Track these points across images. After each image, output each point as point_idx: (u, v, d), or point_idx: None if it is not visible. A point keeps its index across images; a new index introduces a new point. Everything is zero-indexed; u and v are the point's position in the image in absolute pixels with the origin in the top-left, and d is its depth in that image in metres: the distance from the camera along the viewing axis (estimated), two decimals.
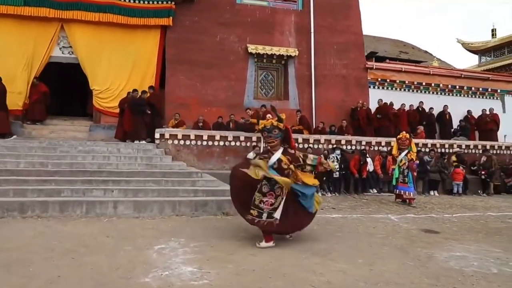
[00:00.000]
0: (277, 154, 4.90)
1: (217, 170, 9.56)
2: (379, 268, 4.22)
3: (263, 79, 12.86)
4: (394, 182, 9.13)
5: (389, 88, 13.53)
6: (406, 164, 8.87)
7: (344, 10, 13.14)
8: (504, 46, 28.40)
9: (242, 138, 10.35)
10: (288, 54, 12.33)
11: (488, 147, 12.11)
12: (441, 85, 13.78)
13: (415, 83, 13.62)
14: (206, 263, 4.14)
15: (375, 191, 10.45)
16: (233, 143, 10.30)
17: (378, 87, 13.38)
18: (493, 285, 3.84)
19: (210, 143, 10.14)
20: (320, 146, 10.81)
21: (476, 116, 13.75)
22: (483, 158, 11.72)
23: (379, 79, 13.29)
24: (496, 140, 12.82)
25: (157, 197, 6.57)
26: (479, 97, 14.26)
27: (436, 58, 28.99)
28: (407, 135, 9.07)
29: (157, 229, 5.61)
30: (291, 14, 12.73)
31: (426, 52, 34.26)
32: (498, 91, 14.34)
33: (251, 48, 12.05)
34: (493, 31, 29.62)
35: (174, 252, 4.52)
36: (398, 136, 9.24)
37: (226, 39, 12.07)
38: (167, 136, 9.69)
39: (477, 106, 13.84)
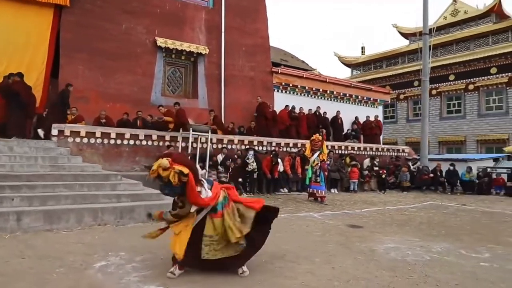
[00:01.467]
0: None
1: (126, 172, 8.61)
2: (338, 265, 4.31)
3: (170, 75, 12.16)
4: (307, 182, 9.59)
5: (291, 93, 14.27)
6: (319, 164, 9.42)
7: (252, 13, 13.35)
8: (371, 62, 32.89)
9: (154, 137, 9.59)
10: (199, 52, 11.92)
11: (374, 149, 13.78)
12: (334, 92, 15.15)
13: (314, 89, 14.66)
14: (170, 280, 3.63)
15: (286, 190, 10.84)
16: (144, 142, 9.46)
17: (282, 91, 13.98)
18: (435, 270, 4.26)
19: (118, 141, 9.11)
20: (234, 146, 10.72)
21: (361, 122, 15.50)
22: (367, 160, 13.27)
23: (283, 83, 13.90)
24: (379, 143, 14.68)
25: (72, 205, 5.55)
26: (363, 105, 16.14)
27: (311, 68, 31.88)
28: (320, 137, 9.65)
29: (83, 243, 4.73)
30: (202, 10, 12.35)
31: (303, 62, 37.43)
32: (378, 100, 16.49)
33: (160, 41, 11.26)
34: (363, 49, 34.01)
35: (122, 269, 3.85)
36: (312, 138, 9.76)
37: (132, 29, 11.02)
38: (67, 133, 8.33)
39: (363, 113, 15.64)
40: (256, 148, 10.93)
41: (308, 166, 9.61)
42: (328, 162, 9.92)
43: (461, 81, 25.55)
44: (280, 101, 13.57)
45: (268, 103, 12.94)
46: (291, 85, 14.10)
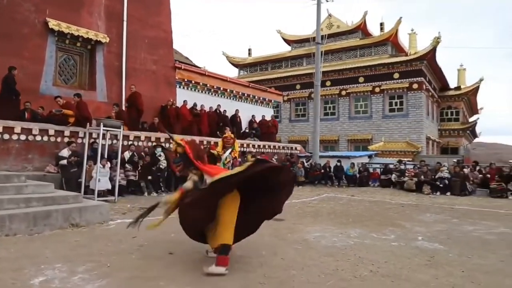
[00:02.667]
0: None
1: (15, 171, 7.38)
2: (285, 256, 4.56)
3: (62, 63, 10.77)
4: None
5: (193, 90, 14.12)
6: (231, 161, 9.62)
7: (156, 5, 12.76)
8: (257, 64, 34.54)
9: (51, 132, 8.43)
10: (98, 39, 10.86)
11: (272, 147, 14.62)
12: (234, 91, 15.53)
13: (215, 87, 14.78)
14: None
15: None
16: (39, 138, 8.24)
17: (184, 87, 13.73)
18: (363, 252, 4.83)
19: (6, 136, 7.73)
20: (141, 143, 10.14)
21: (257, 121, 16.26)
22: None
23: (186, 80, 13.66)
24: (275, 141, 15.62)
25: None
26: (259, 105, 16.94)
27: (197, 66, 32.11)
28: (232, 135, 9.85)
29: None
30: None
31: (187, 58, 37.33)
32: (272, 101, 17.51)
33: (53, 23, 9.89)
34: (249, 51, 35.49)
35: (70, 283, 3.39)
36: (224, 135, 9.89)
37: (18, 5, 9.43)
38: None
39: (259, 112, 16.42)
40: (163, 145, 10.53)
41: (220, 164, 9.70)
42: (240, 160, 10.19)
43: (336, 87, 28.89)
44: (182, 98, 13.32)
45: (171, 99, 12.58)
46: (193, 82, 13.95)
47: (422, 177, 12.54)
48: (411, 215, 8.09)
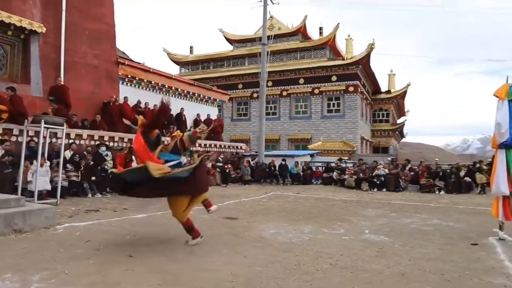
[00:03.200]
0: None
1: None
2: (247, 254, 4.63)
3: None
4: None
5: (137, 86, 13.61)
6: None
7: None
8: (199, 62, 34.16)
9: None
10: (32, 29, 9.99)
11: (218, 146, 14.59)
12: (179, 89, 15.23)
13: (160, 84, 14.37)
14: None
15: None
16: None
17: (127, 84, 13.19)
18: (319, 247, 5.08)
19: None
20: (83, 142, 9.56)
21: (202, 120, 16.11)
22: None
23: (129, 76, 13.11)
24: (221, 140, 15.60)
25: None
26: (204, 103, 16.79)
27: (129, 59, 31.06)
28: (181, 134, 9.64)
29: None
30: None
31: (123, 53, 35.93)
32: (217, 100, 17.45)
33: None
34: (191, 48, 34.92)
35: None
36: (173, 134, 9.62)
37: None
38: None
39: (204, 111, 16.27)
40: (107, 143, 10.03)
41: None
42: (189, 158, 10.01)
43: (277, 87, 29.57)
44: (125, 95, 12.77)
45: (114, 96, 12.01)
46: (137, 78, 13.45)
47: (361, 174, 13.38)
48: (355, 211, 8.60)
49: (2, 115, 8.04)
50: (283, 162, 14.53)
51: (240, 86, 31.03)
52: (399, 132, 34.78)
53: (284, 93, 29.51)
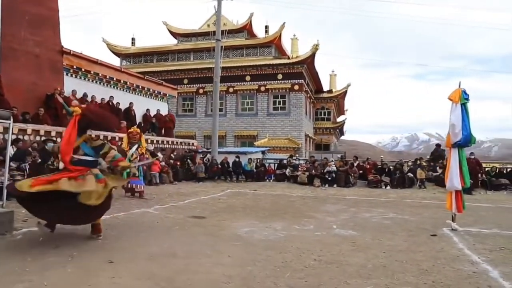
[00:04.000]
0: None
1: None
2: (231, 254, 4.57)
3: None
4: (124, 176, 8.95)
5: (83, 78, 12.70)
6: (138, 158, 9.01)
7: None
8: (142, 55, 32.81)
9: None
10: None
11: (170, 142, 14.13)
12: (128, 82, 14.48)
13: (107, 77, 13.55)
14: None
15: None
16: None
17: (72, 75, 12.24)
18: (297, 243, 5.14)
19: None
20: (27, 137, 8.69)
21: (152, 115, 15.51)
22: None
23: (75, 67, 12.17)
24: (173, 136, 15.12)
25: None
26: (154, 98, 16.16)
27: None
28: (138, 130, 9.22)
29: None
30: None
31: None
32: (167, 95, 16.87)
33: None
34: (133, 40, 33.39)
35: None
36: (129, 130, 9.19)
37: None
38: None
39: (153, 106, 15.67)
40: (55, 139, 9.22)
41: (126, 160, 8.98)
42: (147, 156, 9.57)
43: (224, 84, 29.25)
44: (70, 87, 11.86)
45: (59, 87, 11.09)
46: (83, 69, 12.52)
47: (313, 171, 13.81)
48: (315, 207, 8.86)
49: None
50: (237, 159, 14.50)
51: (185, 81, 30.37)
52: (339, 130, 36.47)
53: (231, 90, 29.44)
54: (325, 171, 13.66)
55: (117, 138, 11.32)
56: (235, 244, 4.98)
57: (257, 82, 28.93)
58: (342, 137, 44.70)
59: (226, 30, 30.89)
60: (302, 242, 5.20)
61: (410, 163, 13.97)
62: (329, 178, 13.50)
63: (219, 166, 14.33)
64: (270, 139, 27.39)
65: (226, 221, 6.65)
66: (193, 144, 16.48)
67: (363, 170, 14.02)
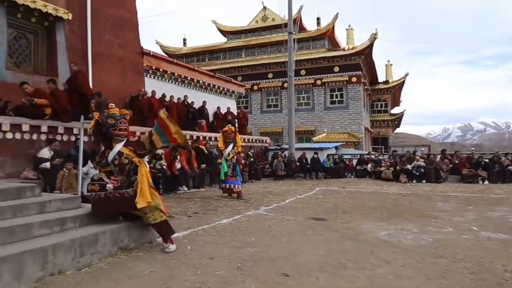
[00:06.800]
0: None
1: None
2: (402, 262, 4.01)
3: (13, 42, 8.59)
4: (222, 177, 8.67)
5: (160, 79, 12.63)
6: (234, 157, 8.68)
7: None
8: (194, 54, 33.00)
9: (25, 128, 6.61)
10: (58, 15, 8.87)
11: (246, 140, 13.79)
12: (200, 81, 14.31)
13: (182, 76, 13.43)
14: None
15: (186, 188, 9.51)
16: (10, 136, 6.39)
17: (151, 76, 12.18)
18: (452, 249, 4.49)
19: None
20: None
21: (223, 113, 15.27)
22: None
23: (153, 68, 12.11)
24: (246, 134, 14.81)
25: None
26: (223, 96, 15.93)
27: None
28: (232, 128, 8.89)
29: None
30: None
31: None
32: (235, 92, 16.61)
33: None
34: (184, 40, 33.71)
35: None
36: (224, 129, 8.88)
37: None
38: None
39: (223, 104, 15.42)
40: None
41: (222, 160, 8.70)
42: (243, 154, 9.24)
43: (278, 79, 28.85)
44: (149, 87, 11.80)
45: (142, 89, 11.04)
46: (161, 70, 12.45)
47: (398, 167, 12.93)
48: (427, 205, 8.10)
49: (46, 111, 7.00)
50: (316, 156, 13.90)
51: (239, 78, 30.05)
52: (397, 122, 34.83)
53: (286, 85, 28.77)
54: (412, 166, 12.73)
55: (201, 137, 11.12)
56: (394, 251, 4.42)
57: (312, 76, 28.12)
58: (397, 130, 42.75)
59: (269, 25, 30.63)
60: (462, 248, 4.58)
61: (510, 156, 12.68)
62: (417, 174, 12.57)
63: (298, 163, 13.80)
64: (328, 134, 26.52)
65: (351, 223, 6.10)
66: (266, 141, 16.12)
67: (453, 164, 12.93)
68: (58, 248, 3.37)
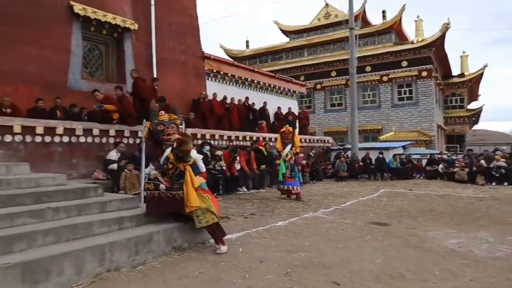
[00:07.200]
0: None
1: None
2: (477, 276, 3.59)
3: (87, 53, 9.40)
4: (280, 178, 8.60)
5: (221, 81, 12.93)
6: (293, 158, 8.55)
7: None
8: (257, 56, 33.38)
9: (96, 132, 7.19)
10: (125, 26, 9.52)
11: (307, 140, 13.60)
12: (261, 82, 14.40)
13: (242, 78, 13.62)
14: None
15: (245, 189, 9.61)
16: (83, 139, 6.96)
17: (212, 79, 12.52)
18: None
19: (47, 139, 6.45)
20: None
21: (284, 113, 15.16)
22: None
23: (215, 71, 12.44)
24: (308, 134, 14.61)
25: (57, 244, 3.36)
26: (284, 96, 15.87)
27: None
28: (290, 129, 8.77)
29: None
30: None
31: None
32: (296, 92, 16.47)
33: (78, 8, 8.51)
34: (247, 42, 34.25)
35: None
36: (282, 130, 8.80)
37: None
38: None
39: (284, 104, 15.34)
40: (211, 142, 9.38)
41: (280, 161, 8.62)
42: (302, 155, 9.10)
43: (342, 77, 28.01)
44: (211, 90, 12.11)
45: (203, 92, 11.39)
46: (222, 73, 12.75)
47: (474, 167, 11.79)
48: (509, 210, 7.26)
49: (114, 116, 7.55)
50: (380, 155, 13.22)
51: (302, 78, 29.75)
52: (474, 118, 31.94)
53: (349, 83, 27.86)
54: (491, 166, 11.51)
55: (261, 138, 11.18)
56: (463, 263, 3.98)
57: (378, 72, 26.86)
58: (476, 126, 39.17)
59: (332, 22, 29.80)
60: None
61: None
62: (497, 175, 11.34)
63: (361, 163, 13.25)
64: (396, 133, 25.13)
65: (416, 229, 5.64)
66: (328, 141, 15.78)
67: None
68: (114, 246, 3.55)
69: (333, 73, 28.54)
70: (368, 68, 27.18)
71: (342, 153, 13.86)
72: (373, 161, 13.29)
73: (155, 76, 10.06)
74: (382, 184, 12.07)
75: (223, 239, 4.32)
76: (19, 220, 3.46)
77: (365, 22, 30.38)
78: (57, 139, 6.58)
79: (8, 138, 5.93)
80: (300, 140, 13.50)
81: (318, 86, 29.13)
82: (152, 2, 10.24)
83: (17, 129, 6.02)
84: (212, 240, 4.45)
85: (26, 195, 3.82)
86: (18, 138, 6.05)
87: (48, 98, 7.60)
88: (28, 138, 6.19)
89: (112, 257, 3.52)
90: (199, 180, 4.32)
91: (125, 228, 4.00)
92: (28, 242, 3.23)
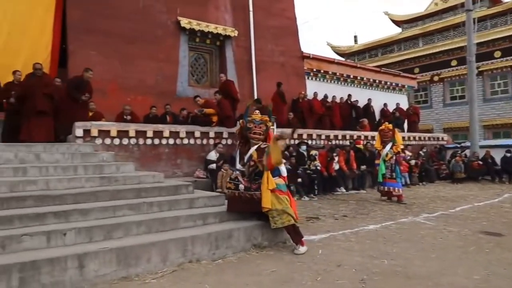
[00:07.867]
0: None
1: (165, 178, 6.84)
2: None
3: (193, 62, 10.34)
4: (380, 179, 8.12)
5: (322, 80, 12.79)
6: (393, 157, 7.98)
7: None
8: (366, 51, 31.94)
9: (197, 134, 7.90)
10: (226, 34, 10.18)
11: (417, 138, 12.54)
12: (364, 78, 13.80)
13: (344, 75, 13.25)
14: None
15: (344, 190, 9.34)
16: (186, 141, 7.73)
17: (312, 78, 12.47)
18: None
19: (156, 141, 7.36)
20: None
21: (391, 110, 14.19)
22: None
23: (314, 70, 12.38)
24: (418, 131, 13.47)
25: (147, 234, 3.81)
26: (391, 91, 14.89)
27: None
28: (390, 126, 8.20)
29: None
30: None
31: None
32: (406, 86, 15.31)
33: (184, 22, 9.45)
34: (355, 37, 33.07)
35: None
36: (380, 128, 8.32)
37: (151, 7, 9.19)
38: (94, 132, 6.48)
39: (391, 100, 14.36)
40: (308, 142, 9.41)
41: (380, 161, 8.13)
42: (404, 155, 8.47)
43: (464, 66, 24.86)
44: (311, 89, 12.06)
45: (303, 92, 11.44)
46: (322, 71, 12.60)
47: None
48: None
49: (213, 119, 8.19)
50: (508, 154, 11.36)
51: (416, 70, 27.43)
52: None
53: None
54: None
55: (362, 137, 10.73)
56: None
57: (510, 58, 23.08)
58: None
59: (453, 5, 26.48)
60: None
61: None
62: None
63: (481, 163, 11.61)
64: None
65: None
66: (443, 138, 14.27)
67: None
68: (196, 239, 3.87)
69: (454, 63, 25.54)
70: (497, 54, 23.56)
71: (459, 152, 12.29)
72: (499, 161, 11.46)
73: (254, 79, 10.50)
74: (508, 188, 10.35)
75: (302, 240, 4.31)
76: (120, 212, 4.03)
77: (495, 1, 26.46)
78: (164, 141, 7.43)
79: (125, 141, 6.93)
80: (409, 138, 12.58)
81: (436, 78, 26.39)
82: (251, 8, 10.71)
83: (132, 133, 7.01)
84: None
85: (128, 191, 4.43)
86: (133, 141, 7.02)
87: (160, 105, 8.61)
88: (141, 141, 7.14)
89: (193, 249, 3.83)
90: (277, 182, 4.38)
91: (208, 223, 4.30)
92: (125, 231, 3.74)
